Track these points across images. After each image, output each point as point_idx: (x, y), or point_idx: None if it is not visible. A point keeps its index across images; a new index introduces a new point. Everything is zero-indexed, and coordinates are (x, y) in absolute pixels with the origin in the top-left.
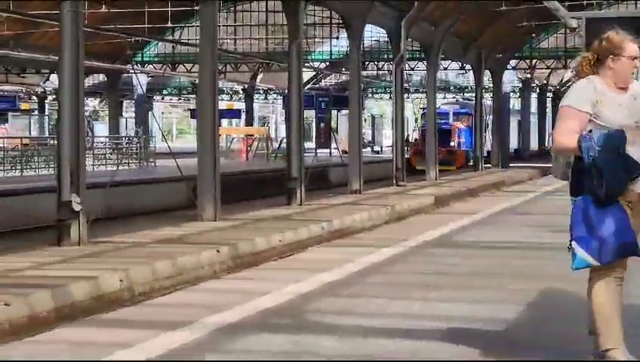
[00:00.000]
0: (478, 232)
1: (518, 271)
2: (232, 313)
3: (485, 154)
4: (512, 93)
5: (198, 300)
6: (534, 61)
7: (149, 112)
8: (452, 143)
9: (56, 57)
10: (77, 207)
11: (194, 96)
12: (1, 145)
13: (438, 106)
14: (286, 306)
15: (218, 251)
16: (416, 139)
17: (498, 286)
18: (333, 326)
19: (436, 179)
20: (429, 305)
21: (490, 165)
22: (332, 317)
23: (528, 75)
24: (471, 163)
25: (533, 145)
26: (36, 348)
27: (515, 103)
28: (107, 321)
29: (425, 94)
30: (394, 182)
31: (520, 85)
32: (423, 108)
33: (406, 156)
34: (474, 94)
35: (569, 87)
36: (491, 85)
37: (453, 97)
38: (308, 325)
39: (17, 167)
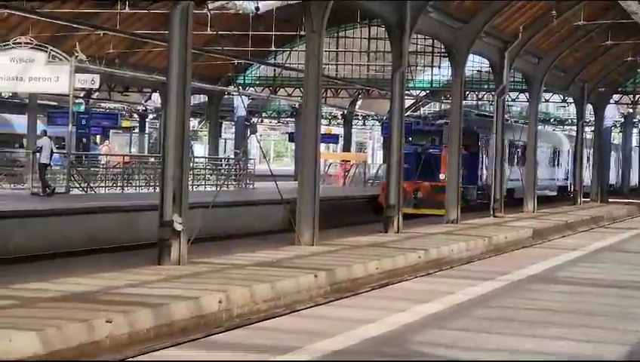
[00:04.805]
0: (579, 269)
1: (624, 312)
2: (336, 340)
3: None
4: (612, 128)
5: (300, 326)
6: (637, 96)
7: (253, 135)
8: (442, 176)
9: (159, 77)
10: (179, 227)
11: (292, 119)
12: (104, 162)
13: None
14: (391, 336)
15: (316, 276)
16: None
17: (605, 326)
18: (442, 360)
19: (534, 211)
20: (538, 342)
21: (588, 199)
22: (440, 350)
23: (631, 110)
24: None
25: (634, 181)
26: None
27: (614, 137)
28: (212, 344)
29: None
30: (491, 212)
31: (622, 120)
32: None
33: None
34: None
35: None
36: (592, 119)
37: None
38: (416, 357)
39: (118, 184)
